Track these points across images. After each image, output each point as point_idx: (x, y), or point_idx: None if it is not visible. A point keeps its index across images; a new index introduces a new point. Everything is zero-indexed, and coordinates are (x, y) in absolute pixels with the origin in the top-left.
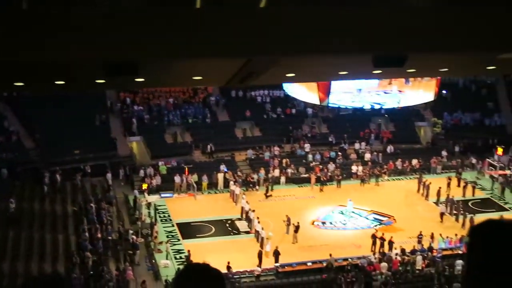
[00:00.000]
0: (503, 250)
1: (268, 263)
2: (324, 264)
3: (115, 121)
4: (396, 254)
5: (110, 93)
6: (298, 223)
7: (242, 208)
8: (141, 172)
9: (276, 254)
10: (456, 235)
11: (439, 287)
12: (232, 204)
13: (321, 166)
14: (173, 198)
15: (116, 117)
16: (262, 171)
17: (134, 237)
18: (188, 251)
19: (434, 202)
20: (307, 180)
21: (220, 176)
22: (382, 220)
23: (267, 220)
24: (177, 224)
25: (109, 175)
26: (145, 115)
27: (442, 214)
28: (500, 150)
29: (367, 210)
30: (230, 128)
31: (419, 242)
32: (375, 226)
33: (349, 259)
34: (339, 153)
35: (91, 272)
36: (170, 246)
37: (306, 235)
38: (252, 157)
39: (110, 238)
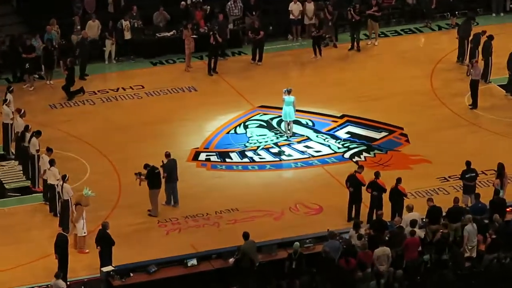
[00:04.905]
0: None
1: (84, 266)
2: (231, 261)
3: None
4: (414, 223)
5: None
6: (162, 164)
7: (7, 127)
8: None
9: (105, 242)
10: None
11: None
12: None
13: (207, 8)
14: None
15: None
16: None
17: None
18: None
19: (501, 86)
20: (175, 48)
21: None
22: (374, 140)
23: (75, 156)
24: None
25: None
26: None
27: (475, 84)
28: None
29: (334, 116)
30: None
31: (467, 189)
32: (355, 155)
33: (296, 244)
34: None
35: None
36: None
37: (181, 192)
38: None
39: None
